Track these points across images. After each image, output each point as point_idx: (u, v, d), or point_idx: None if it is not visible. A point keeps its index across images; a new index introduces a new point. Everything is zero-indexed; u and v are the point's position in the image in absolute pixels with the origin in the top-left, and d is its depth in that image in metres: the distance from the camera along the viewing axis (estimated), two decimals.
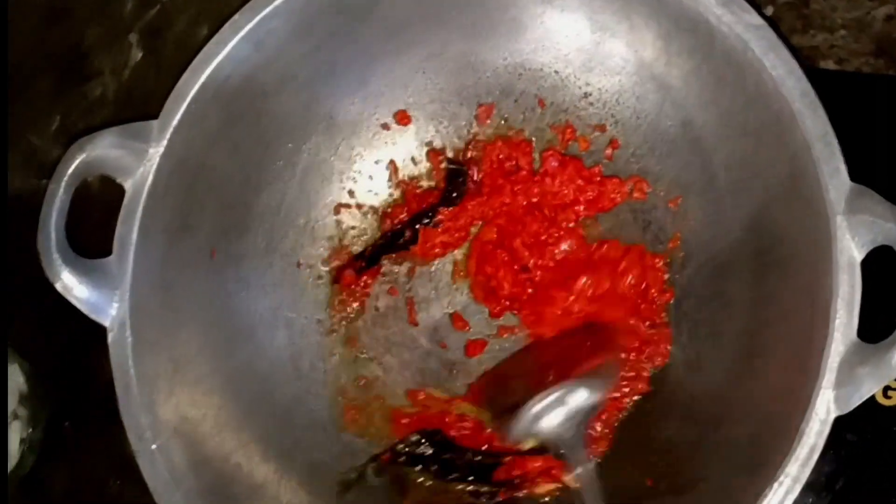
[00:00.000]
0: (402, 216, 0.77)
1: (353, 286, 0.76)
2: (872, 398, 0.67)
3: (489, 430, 0.72)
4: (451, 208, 0.76)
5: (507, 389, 0.70)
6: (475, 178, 0.76)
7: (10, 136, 0.85)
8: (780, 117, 0.61)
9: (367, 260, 0.76)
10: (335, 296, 0.76)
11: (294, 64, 0.71)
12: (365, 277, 0.76)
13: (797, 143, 0.59)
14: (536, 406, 0.64)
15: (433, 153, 0.78)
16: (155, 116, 0.66)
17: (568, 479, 0.67)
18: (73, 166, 0.63)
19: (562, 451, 0.64)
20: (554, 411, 0.64)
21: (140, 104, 0.85)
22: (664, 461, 0.67)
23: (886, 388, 0.70)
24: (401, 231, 0.77)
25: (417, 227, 0.76)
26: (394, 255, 0.77)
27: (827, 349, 0.56)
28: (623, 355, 0.70)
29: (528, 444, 0.68)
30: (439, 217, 0.76)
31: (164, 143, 0.65)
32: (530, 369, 0.71)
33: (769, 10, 0.80)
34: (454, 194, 0.76)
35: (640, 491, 0.66)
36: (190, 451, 0.64)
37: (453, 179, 0.77)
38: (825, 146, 0.58)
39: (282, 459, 0.69)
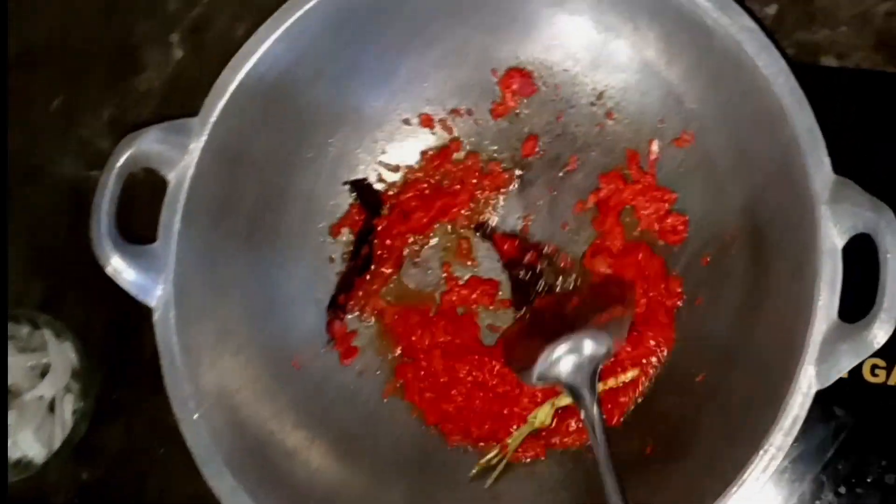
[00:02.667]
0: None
1: (344, 333, 0.79)
2: (860, 376, 0.72)
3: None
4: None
5: (526, 345, 0.74)
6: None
7: (63, 126, 0.91)
8: (771, 112, 0.64)
9: (338, 303, 0.80)
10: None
11: (324, 61, 0.75)
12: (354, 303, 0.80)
13: (786, 136, 0.63)
14: (550, 354, 0.69)
15: (445, 150, 0.82)
16: (197, 111, 0.71)
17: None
18: (122, 159, 0.68)
19: (573, 395, 0.68)
20: (565, 358, 0.68)
21: (184, 98, 0.89)
22: (663, 431, 0.71)
23: (873, 367, 0.74)
24: (357, 251, 0.80)
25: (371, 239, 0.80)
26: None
27: (810, 327, 0.60)
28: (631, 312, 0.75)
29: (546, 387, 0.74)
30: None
31: (205, 137, 0.70)
32: (547, 326, 0.75)
33: (773, 8, 0.82)
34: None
35: (640, 458, 0.70)
36: (228, 420, 0.69)
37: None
38: (811, 139, 0.62)
39: (312, 427, 0.74)
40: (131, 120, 0.90)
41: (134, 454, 0.83)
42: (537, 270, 0.78)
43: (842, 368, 0.59)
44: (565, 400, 0.74)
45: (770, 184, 0.67)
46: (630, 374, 0.75)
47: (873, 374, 0.74)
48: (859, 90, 0.80)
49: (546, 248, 0.79)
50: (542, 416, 0.75)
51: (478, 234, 0.81)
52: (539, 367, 0.69)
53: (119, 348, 0.85)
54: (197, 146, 0.70)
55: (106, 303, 0.85)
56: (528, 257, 0.79)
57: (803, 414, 0.60)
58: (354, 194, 0.81)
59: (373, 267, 0.80)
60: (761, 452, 0.60)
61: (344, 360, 0.78)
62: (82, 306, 0.86)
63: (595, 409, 0.66)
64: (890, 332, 0.57)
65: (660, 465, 0.69)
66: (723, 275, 0.72)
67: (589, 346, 0.68)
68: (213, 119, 0.70)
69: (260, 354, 0.74)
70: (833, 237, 0.61)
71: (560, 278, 0.78)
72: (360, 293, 0.80)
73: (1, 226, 0.85)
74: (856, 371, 0.74)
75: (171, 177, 0.70)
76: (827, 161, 0.62)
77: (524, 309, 0.79)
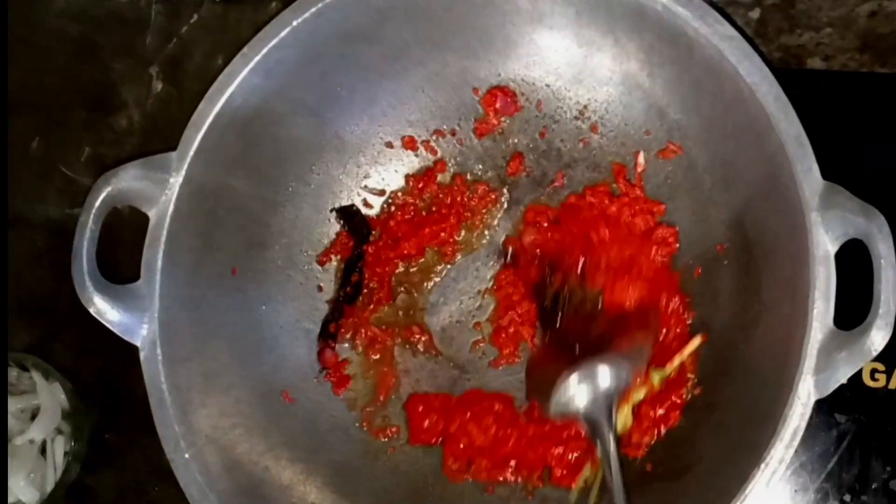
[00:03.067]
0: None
1: (335, 362, 0.78)
2: (860, 381, 0.71)
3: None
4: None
5: (548, 374, 0.71)
6: None
7: (44, 168, 0.90)
8: (757, 121, 0.64)
9: (330, 331, 0.79)
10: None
11: (303, 90, 0.74)
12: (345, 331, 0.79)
13: (773, 144, 0.63)
14: (565, 386, 0.66)
15: (430, 172, 0.81)
16: (177, 145, 0.70)
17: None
18: (100, 198, 0.67)
19: (590, 428, 0.66)
20: (579, 389, 0.66)
21: (163, 133, 0.89)
22: (663, 447, 0.70)
23: (873, 371, 0.73)
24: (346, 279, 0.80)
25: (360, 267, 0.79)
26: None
27: (807, 337, 0.59)
28: (654, 337, 0.73)
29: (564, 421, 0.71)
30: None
31: (184, 172, 0.69)
32: (570, 352, 0.73)
33: (756, 12, 0.82)
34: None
35: (642, 476, 0.70)
36: (221, 457, 0.68)
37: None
38: (798, 147, 0.62)
39: (308, 461, 0.73)
40: (112, 157, 0.89)
41: (127, 495, 0.82)
42: (563, 293, 0.76)
43: (840, 377, 0.58)
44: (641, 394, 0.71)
45: (759, 193, 0.67)
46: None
47: (873, 379, 0.73)
48: (847, 92, 0.79)
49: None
50: (623, 419, 0.71)
51: (501, 261, 0.79)
52: (554, 400, 0.67)
53: (110, 389, 0.84)
54: (176, 181, 0.69)
55: (96, 343, 0.82)
56: (552, 281, 0.76)
57: (803, 425, 0.59)
58: (342, 222, 0.80)
59: (363, 293, 0.79)
60: (762, 466, 0.59)
61: (337, 389, 0.77)
62: (72, 348, 0.85)
63: (612, 444, 0.64)
64: (887, 338, 0.57)
65: (661, 483, 0.68)
66: (715, 287, 0.71)
67: (604, 375, 0.66)
68: (191, 153, 0.70)
69: (250, 390, 0.73)
70: (825, 244, 0.60)
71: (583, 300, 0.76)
72: (351, 321, 0.79)
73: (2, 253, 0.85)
74: (856, 376, 0.71)
75: (152, 213, 0.69)
76: (815, 168, 0.61)
77: (546, 334, 0.76)
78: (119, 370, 0.82)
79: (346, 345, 0.79)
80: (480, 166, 0.81)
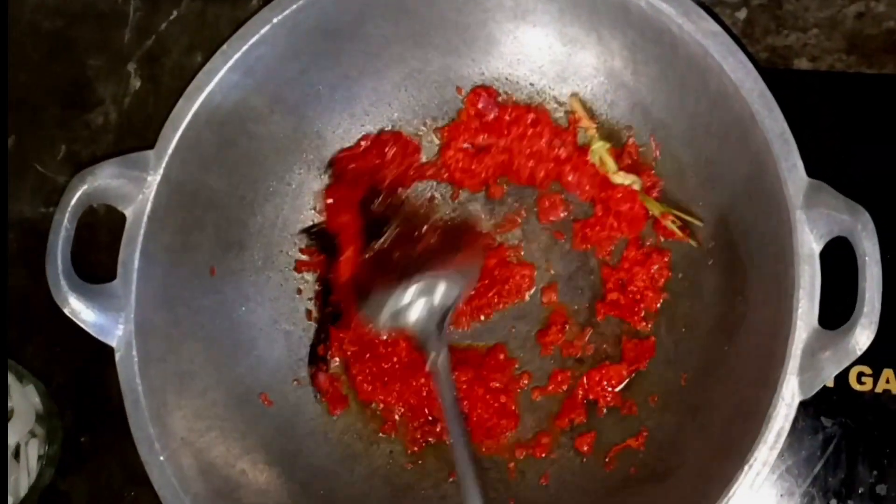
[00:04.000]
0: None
1: (333, 383, 0.77)
2: (846, 383, 0.71)
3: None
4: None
5: (376, 280, 0.72)
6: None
7: (18, 166, 0.88)
8: (741, 118, 0.63)
9: (318, 356, 0.78)
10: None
11: (282, 87, 0.74)
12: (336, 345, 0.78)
13: (758, 142, 0.62)
14: (401, 297, 0.67)
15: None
16: (154, 141, 0.69)
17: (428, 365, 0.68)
18: (75, 197, 0.66)
19: (422, 341, 0.66)
20: (416, 303, 0.67)
21: (140, 130, 0.88)
22: (646, 450, 0.69)
23: (860, 374, 0.72)
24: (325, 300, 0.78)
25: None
26: None
27: (791, 337, 0.58)
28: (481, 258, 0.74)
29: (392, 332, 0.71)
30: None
31: (161, 170, 0.68)
32: (399, 263, 0.73)
33: (743, 13, 0.81)
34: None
35: (625, 479, 0.69)
36: (197, 460, 0.67)
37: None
38: (783, 144, 0.61)
39: (285, 465, 0.72)
40: (88, 154, 0.88)
41: (102, 499, 0.80)
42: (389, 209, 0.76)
43: (825, 377, 0.57)
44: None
45: (743, 190, 0.66)
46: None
47: (860, 382, 0.72)
48: (834, 92, 0.78)
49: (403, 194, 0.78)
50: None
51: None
52: (388, 310, 0.67)
53: (84, 391, 0.82)
54: (154, 179, 0.68)
55: (69, 345, 0.82)
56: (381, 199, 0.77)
57: (787, 426, 0.58)
58: (311, 241, 0.79)
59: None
60: (746, 468, 0.58)
61: (334, 410, 0.76)
62: (45, 350, 0.84)
63: (443, 358, 0.65)
64: (872, 337, 0.56)
65: (644, 487, 0.67)
66: (699, 287, 0.71)
67: (441, 290, 0.67)
68: (169, 151, 0.69)
69: (227, 392, 0.72)
70: (810, 242, 0.59)
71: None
72: (338, 342, 0.78)
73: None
74: (842, 379, 0.72)
75: (129, 212, 0.68)
76: (800, 165, 0.60)
77: (372, 244, 0.75)
78: (93, 372, 0.81)
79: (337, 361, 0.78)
80: None
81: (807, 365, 0.58)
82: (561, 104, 0.77)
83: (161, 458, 0.65)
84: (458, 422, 0.62)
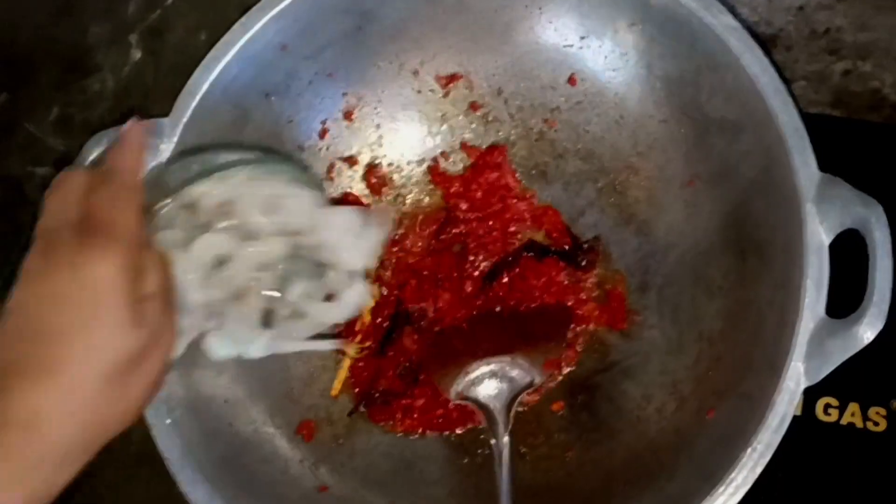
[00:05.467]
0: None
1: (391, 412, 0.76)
2: (812, 414, 0.72)
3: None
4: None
5: (454, 350, 0.73)
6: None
7: (8, 123, 0.88)
8: (756, 112, 0.65)
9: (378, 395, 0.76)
10: None
11: (299, 64, 0.74)
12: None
13: (771, 136, 0.64)
14: (476, 371, 0.69)
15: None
16: (151, 113, 0.69)
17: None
18: (89, 159, 0.66)
19: (488, 420, 0.67)
20: (490, 380, 0.69)
21: (137, 101, 0.88)
22: (652, 437, 0.70)
23: (826, 406, 0.74)
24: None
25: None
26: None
27: (797, 325, 0.60)
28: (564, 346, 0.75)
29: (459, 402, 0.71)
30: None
31: (175, 139, 0.68)
32: (480, 336, 0.74)
33: None
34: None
35: (630, 460, 0.70)
36: (202, 426, 0.67)
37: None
38: (798, 139, 0.62)
39: (290, 436, 0.73)
40: (81, 119, 0.88)
41: None
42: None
43: (832, 364, 0.59)
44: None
45: (755, 184, 0.67)
46: None
47: (826, 413, 0.74)
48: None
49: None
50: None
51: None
52: (461, 381, 0.69)
53: None
54: (168, 147, 0.68)
55: None
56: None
57: (791, 411, 0.60)
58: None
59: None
60: (749, 450, 0.59)
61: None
62: None
63: (505, 440, 0.66)
64: (879, 328, 0.57)
65: (648, 469, 0.68)
66: (709, 278, 0.72)
67: (516, 374, 0.68)
68: (184, 120, 0.69)
69: (234, 362, 0.70)
70: (819, 234, 0.61)
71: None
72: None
73: None
74: (808, 409, 0.74)
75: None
76: (812, 159, 0.62)
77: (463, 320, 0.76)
78: None
79: None
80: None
81: (813, 353, 0.59)
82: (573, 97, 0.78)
83: (167, 421, 0.65)
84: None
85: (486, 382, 0.69)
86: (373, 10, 0.74)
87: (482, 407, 0.68)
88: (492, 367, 0.68)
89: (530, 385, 0.70)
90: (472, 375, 0.69)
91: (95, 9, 0.91)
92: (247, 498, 0.66)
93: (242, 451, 0.69)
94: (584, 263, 0.76)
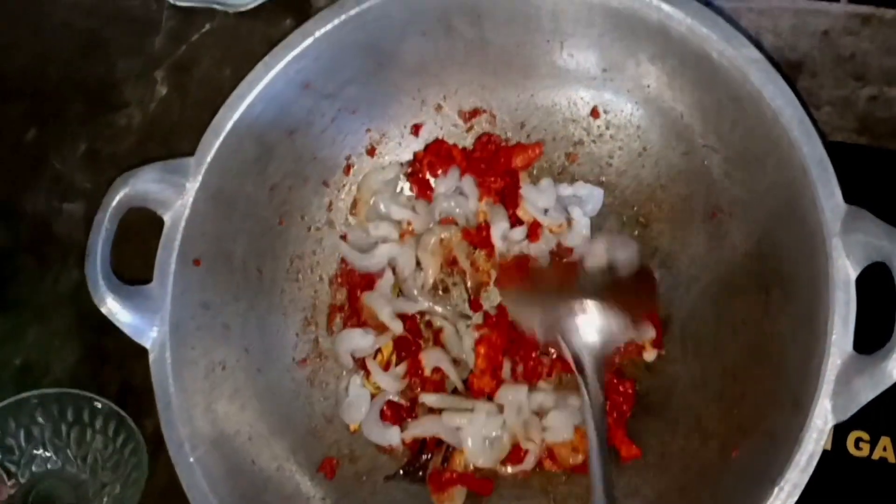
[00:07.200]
0: None
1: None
2: (844, 449, 0.71)
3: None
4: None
5: (539, 281, 0.71)
6: None
7: (35, 159, 0.89)
8: (779, 144, 0.64)
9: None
10: None
11: (321, 101, 0.75)
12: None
13: (795, 168, 0.63)
14: (580, 310, 0.65)
15: None
16: (177, 148, 0.70)
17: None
18: (117, 198, 0.67)
19: (579, 366, 0.64)
20: (594, 327, 0.65)
21: (163, 136, 0.89)
22: (675, 475, 0.69)
23: (857, 440, 0.73)
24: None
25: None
26: None
27: (824, 362, 0.59)
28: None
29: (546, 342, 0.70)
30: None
31: (200, 177, 0.69)
32: (571, 276, 0.72)
33: None
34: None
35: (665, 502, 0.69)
36: (225, 463, 0.67)
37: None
38: (821, 171, 0.62)
39: (313, 473, 0.73)
40: (108, 154, 0.89)
41: None
42: None
43: (860, 401, 0.58)
44: None
45: (778, 217, 0.66)
46: None
47: (857, 448, 0.73)
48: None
49: None
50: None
51: None
52: (561, 320, 0.64)
53: (80, 388, 0.81)
54: (193, 186, 0.69)
55: (71, 339, 0.84)
56: None
57: (819, 450, 0.58)
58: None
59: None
60: (776, 490, 0.58)
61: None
62: (45, 342, 0.84)
63: (596, 389, 0.63)
64: None
65: None
66: (732, 312, 0.71)
67: (620, 327, 0.65)
68: (208, 159, 0.70)
69: (257, 399, 0.72)
70: (846, 268, 0.60)
71: None
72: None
73: None
74: (839, 443, 0.73)
75: (167, 217, 0.69)
76: (838, 192, 0.61)
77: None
78: (94, 367, 0.83)
79: None
80: None
81: (841, 390, 0.58)
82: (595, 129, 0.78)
83: (191, 459, 0.65)
84: (601, 459, 0.61)
85: (590, 327, 0.64)
86: (392, 48, 0.74)
87: (576, 352, 0.64)
88: (603, 312, 0.64)
89: (625, 342, 0.68)
90: (578, 317, 0.65)
91: (122, 44, 0.92)
92: None
93: (265, 488, 0.69)
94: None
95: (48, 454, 0.78)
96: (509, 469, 0.73)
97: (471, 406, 0.73)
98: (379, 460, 0.75)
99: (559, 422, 0.72)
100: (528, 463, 0.72)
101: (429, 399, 0.74)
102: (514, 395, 0.72)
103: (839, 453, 0.72)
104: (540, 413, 0.73)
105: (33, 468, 0.77)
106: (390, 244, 0.78)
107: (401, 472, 0.74)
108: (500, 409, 0.72)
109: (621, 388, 0.73)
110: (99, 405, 0.77)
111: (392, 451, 0.75)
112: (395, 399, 0.76)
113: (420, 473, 0.74)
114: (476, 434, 0.72)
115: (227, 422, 0.70)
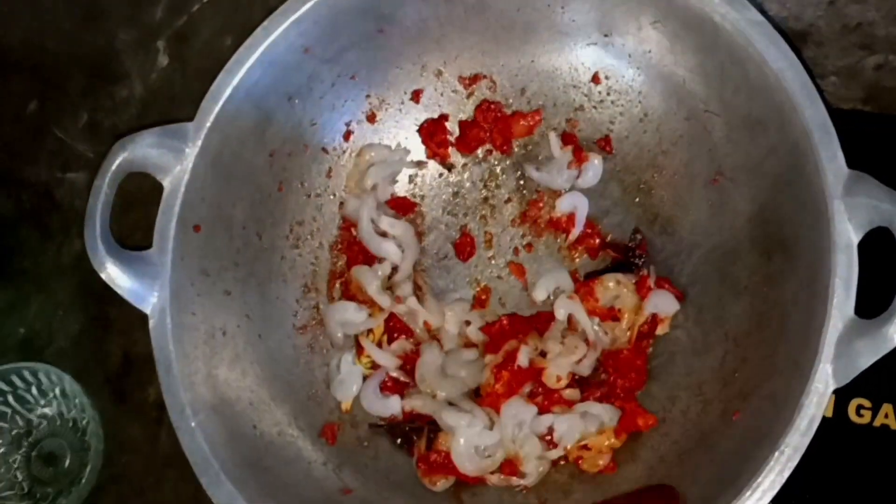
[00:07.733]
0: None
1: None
2: (845, 416, 0.71)
3: None
4: None
5: None
6: None
7: (38, 130, 0.89)
8: (782, 108, 0.64)
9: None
10: None
11: (321, 67, 0.74)
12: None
13: (797, 132, 0.63)
14: None
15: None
16: (178, 118, 0.70)
17: None
18: (115, 163, 0.67)
19: None
20: None
21: (164, 106, 0.89)
22: (677, 439, 0.69)
23: (859, 407, 0.72)
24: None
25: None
26: None
27: (825, 326, 0.59)
28: None
29: None
30: None
31: (200, 142, 0.69)
32: None
33: None
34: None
35: (654, 460, 0.69)
36: (227, 427, 0.68)
37: None
38: (824, 134, 0.61)
39: (314, 438, 0.73)
40: (109, 125, 0.89)
41: None
42: None
43: (861, 366, 0.58)
44: None
45: (781, 181, 0.66)
46: None
47: (858, 415, 0.72)
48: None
49: None
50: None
51: None
52: None
53: (83, 357, 0.83)
54: (192, 151, 0.69)
55: (73, 310, 0.84)
56: None
57: (820, 413, 0.59)
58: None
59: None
60: (777, 454, 0.59)
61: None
62: (48, 312, 0.85)
63: None
64: None
65: (672, 470, 0.67)
66: (734, 277, 0.70)
67: None
68: (208, 124, 0.69)
69: (259, 364, 0.72)
70: (848, 232, 0.60)
71: None
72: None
73: None
74: (840, 411, 0.72)
75: (167, 182, 0.69)
76: (840, 155, 0.61)
77: None
78: (94, 337, 0.83)
79: None
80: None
81: (842, 354, 0.58)
82: (595, 95, 0.78)
83: (192, 423, 0.65)
84: None
85: None
86: (392, 12, 0.73)
87: None
88: None
89: None
90: None
91: (122, 15, 0.91)
92: (271, 500, 0.66)
93: (266, 453, 0.69)
94: (640, 262, 0.75)
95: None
96: (501, 477, 0.72)
97: (469, 409, 0.72)
98: None
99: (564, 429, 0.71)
100: (529, 479, 0.72)
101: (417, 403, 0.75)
102: (517, 410, 0.71)
103: (841, 420, 0.72)
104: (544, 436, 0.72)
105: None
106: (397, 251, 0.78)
107: (387, 425, 0.75)
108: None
109: (638, 363, 0.73)
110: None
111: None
112: (395, 375, 0.76)
113: (403, 438, 0.74)
114: (469, 439, 0.71)
115: (227, 387, 0.70)
